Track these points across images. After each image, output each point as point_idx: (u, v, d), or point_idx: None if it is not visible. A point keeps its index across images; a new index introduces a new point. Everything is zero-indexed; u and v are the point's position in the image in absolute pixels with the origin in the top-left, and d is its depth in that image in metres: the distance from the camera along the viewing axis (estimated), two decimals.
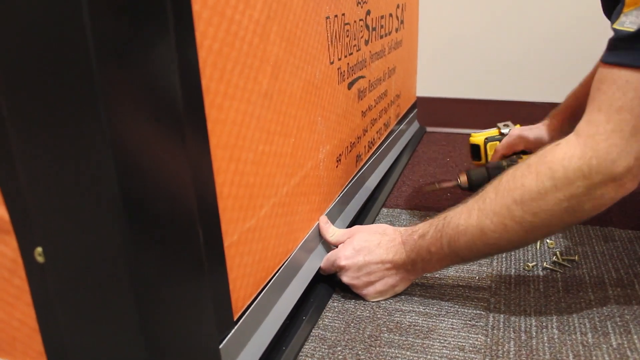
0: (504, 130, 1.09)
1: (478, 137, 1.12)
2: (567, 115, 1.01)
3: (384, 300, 0.77)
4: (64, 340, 0.43)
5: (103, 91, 0.34)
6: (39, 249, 0.40)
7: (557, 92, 1.71)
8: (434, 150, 1.49)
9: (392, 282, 0.75)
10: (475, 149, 1.13)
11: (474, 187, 0.95)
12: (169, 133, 0.41)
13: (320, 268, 0.79)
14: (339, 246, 0.78)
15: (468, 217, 0.67)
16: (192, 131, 0.44)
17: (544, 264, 0.85)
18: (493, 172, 0.94)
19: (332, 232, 0.80)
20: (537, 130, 1.04)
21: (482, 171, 0.98)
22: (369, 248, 0.75)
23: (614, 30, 0.60)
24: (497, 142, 1.09)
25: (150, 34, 0.38)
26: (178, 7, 0.41)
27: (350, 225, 0.92)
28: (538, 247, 0.91)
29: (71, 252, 0.39)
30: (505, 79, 1.69)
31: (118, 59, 0.35)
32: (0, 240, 0.43)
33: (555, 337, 0.68)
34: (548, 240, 0.92)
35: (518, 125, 1.10)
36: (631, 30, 0.57)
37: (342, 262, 0.75)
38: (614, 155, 0.59)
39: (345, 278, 0.76)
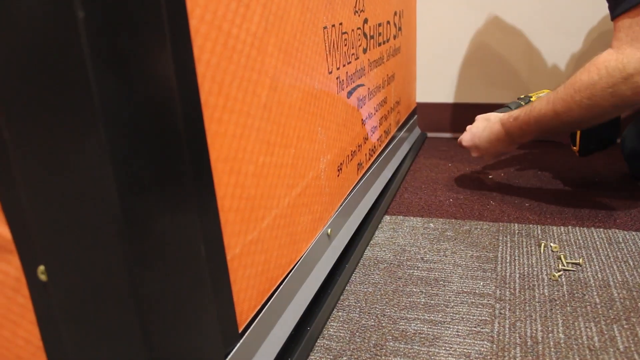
0: None
1: None
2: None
3: (389, 308, 0.76)
4: (68, 358, 0.43)
5: (102, 107, 0.34)
6: (42, 267, 0.40)
7: None
8: (435, 156, 1.49)
9: (497, 147, 1.15)
10: (572, 135, 1.22)
11: None
12: (169, 148, 0.41)
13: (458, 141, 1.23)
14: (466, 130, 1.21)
15: (546, 104, 0.99)
16: (192, 145, 0.44)
17: (553, 272, 0.85)
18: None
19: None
20: None
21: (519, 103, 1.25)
22: (479, 133, 1.16)
23: None
24: None
25: (149, 49, 0.38)
26: (175, 22, 0.41)
27: (355, 234, 0.93)
28: (542, 251, 0.91)
29: (74, 270, 0.39)
30: (505, 82, 1.69)
31: (117, 74, 0.35)
32: (3, 259, 0.43)
33: (562, 341, 0.68)
34: (552, 244, 0.92)
35: None
36: None
37: (465, 144, 1.21)
38: (638, 55, 0.86)
39: (473, 154, 1.21)
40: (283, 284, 0.66)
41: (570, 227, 0.99)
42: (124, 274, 0.38)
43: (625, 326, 0.70)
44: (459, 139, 1.23)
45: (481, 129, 1.16)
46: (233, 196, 0.53)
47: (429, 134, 1.72)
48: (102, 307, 0.40)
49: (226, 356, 0.52)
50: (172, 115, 0.41)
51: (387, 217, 1.09)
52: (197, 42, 0.45)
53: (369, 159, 1.09)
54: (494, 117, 1.15)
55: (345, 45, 0.87)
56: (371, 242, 0.99)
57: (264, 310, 0.61)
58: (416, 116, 1.69)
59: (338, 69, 0.84)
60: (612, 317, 0.72)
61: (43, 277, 0.40)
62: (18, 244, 0.41)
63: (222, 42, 0.49)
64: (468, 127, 1.20)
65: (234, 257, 0.53)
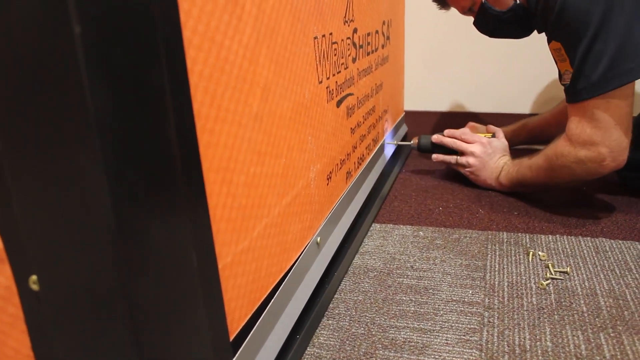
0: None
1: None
2: (527, 130, 1.49)
3: (379, 317, 0.77)
4: None
5: (97, 118, 0.34)
6: (34, 277, 0.40)
7: (539, 105, 1.73)
8: (423, 164, 1.50)
9: (487, 182, 1.26)
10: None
11: (421, 148, 1.39)
12: (162, 158, 0.41)
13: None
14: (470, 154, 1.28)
15: (528, 170, 1.14)
16: (185, 156, 0.45)
17: (541, 280, 0.86)
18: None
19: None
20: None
21: (428, 139, 1.38)
22: (487, 160, 1.26)
23: (563, 85, 1.00)
24: None
25: (142, 61, 0.38)
26: (169, 34, 0.41)
27: (344, 242, 0.93)
28: (530, 259, 0.92)
29: (66, 280, 0.39)
30: (494, 92, 1.70)
31: (111, 85, 0.35)
32: None
33: (549, 350, 0.68)
34: (540, 253, 0.93)
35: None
36: (567, 84, 0.98)
37: (470, 168, 1.28)
38: (590, 155, 0.97)
39: (466, 171, 1.29)
40: (274, 293, 0.66)
41: (558, 235, 1.00)
42: (117, 283, 0.38)
43: (612, 334, 0.71)
44: (456, 160, 1.29)
45: (495, 159, 1.25)
46: (224, 206, 0.53)
47: None
48: (94, 316, 0.40)
49: None
50: (165, 126, 0.41)
51: (376, 225, 1.10)
52: (190, 53, 0.45)
53: (358, 167, 1.10)
54: (502, 160, 1.25)
55: (335, 55, 0.88)
56: (361, 250, 0.99)
57: (257, 321, 0.61)
58: (404, 124, 1.70)
59: (328, 78, 0.84)
60: (599, 325, 0.73)
61: (35, 287, 0.40)
62: (10, 253, 0.41)
63: (214, 53, 0.49)
64: (476, 152, 1.26)
65: (225, 266, 0.54)
